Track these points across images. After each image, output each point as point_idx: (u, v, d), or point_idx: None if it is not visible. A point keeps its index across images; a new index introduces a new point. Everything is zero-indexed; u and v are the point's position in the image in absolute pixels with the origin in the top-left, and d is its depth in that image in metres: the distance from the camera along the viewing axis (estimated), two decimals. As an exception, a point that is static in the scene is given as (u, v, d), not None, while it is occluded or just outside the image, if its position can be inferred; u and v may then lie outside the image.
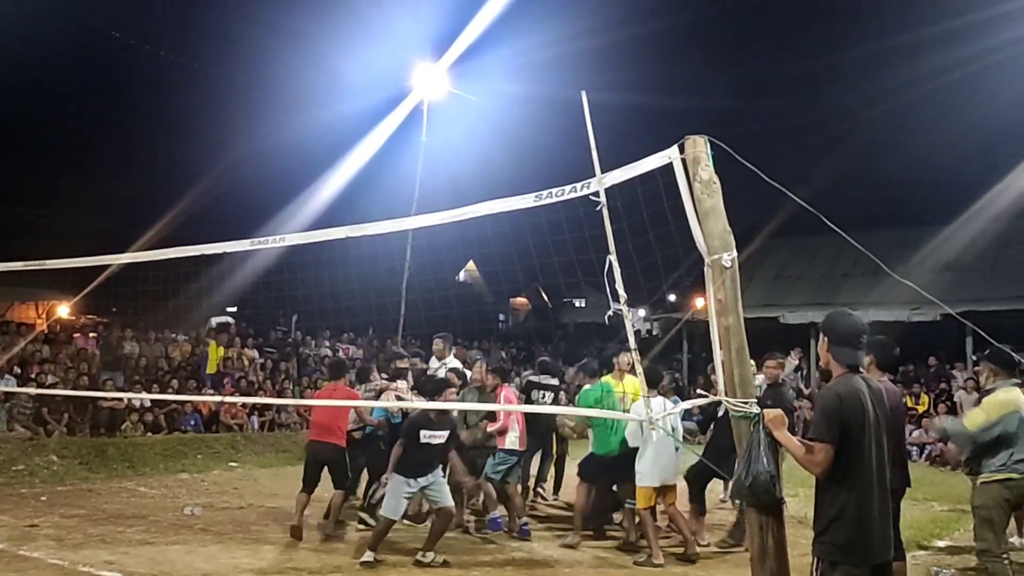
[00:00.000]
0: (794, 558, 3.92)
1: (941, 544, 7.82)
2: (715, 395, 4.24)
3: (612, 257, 4.48)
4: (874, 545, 3.44)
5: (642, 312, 25.33)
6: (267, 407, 15.10)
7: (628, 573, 6.93)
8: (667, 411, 6.38)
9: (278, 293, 14.74)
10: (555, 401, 9.21)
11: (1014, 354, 5.82)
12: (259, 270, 14.25)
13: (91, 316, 19.41)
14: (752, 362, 4.13)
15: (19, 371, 13.42)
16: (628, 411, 7.31)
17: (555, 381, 9.40)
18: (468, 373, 9.03)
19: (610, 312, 4.71)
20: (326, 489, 8.02)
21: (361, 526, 8.20)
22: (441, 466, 7.31)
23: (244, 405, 14.74)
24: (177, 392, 14.25)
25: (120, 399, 13.25)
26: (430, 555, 6.90)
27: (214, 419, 14.45)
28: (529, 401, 8.91)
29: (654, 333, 25.92)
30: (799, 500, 7.12)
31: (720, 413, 7.04)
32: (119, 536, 7.65)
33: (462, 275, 41.73)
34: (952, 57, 17.44)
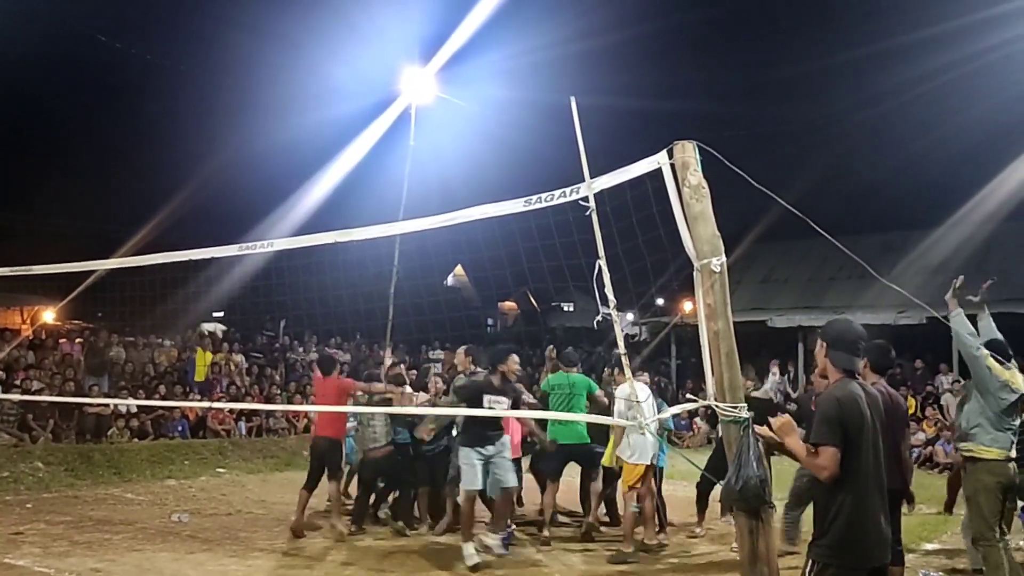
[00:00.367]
0: (783, 560, 3.94)
1: (930, 547, 7.85)
2: (704, 399, 4.25)
3: (601, 261, 4.50)
4: (871, 548, 3.46)
5: (630, 316, 25.38)
6: (255, 412, 15.01)
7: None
8: (649, 400, 6.43)
9: (265, 298, 14.68)
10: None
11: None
12: (246, 275, 14.21)
13: (77, 321, 19.28)
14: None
15: (3, 377, 13.29)
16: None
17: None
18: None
19: (599, 317, 4.72)
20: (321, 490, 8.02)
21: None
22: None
23: (231, 411, 14.66)
24: (164, 398, 14.16)
25: (106, 405, 13.15)
26: (494, 538, 6.87)
27: (201, 425, 14.36)
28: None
29: (642, 337, 25.97)
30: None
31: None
32: (106, 543, 7.58)
33: (450, 279, 41.71)
34: (936, 62, 17.60)
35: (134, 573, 6.61)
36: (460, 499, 7.19)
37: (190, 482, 11.76)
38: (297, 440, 14.80)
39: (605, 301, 4.53)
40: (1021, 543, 7.55)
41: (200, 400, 14.37)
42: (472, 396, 7.07)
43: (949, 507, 9.31)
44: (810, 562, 3.51)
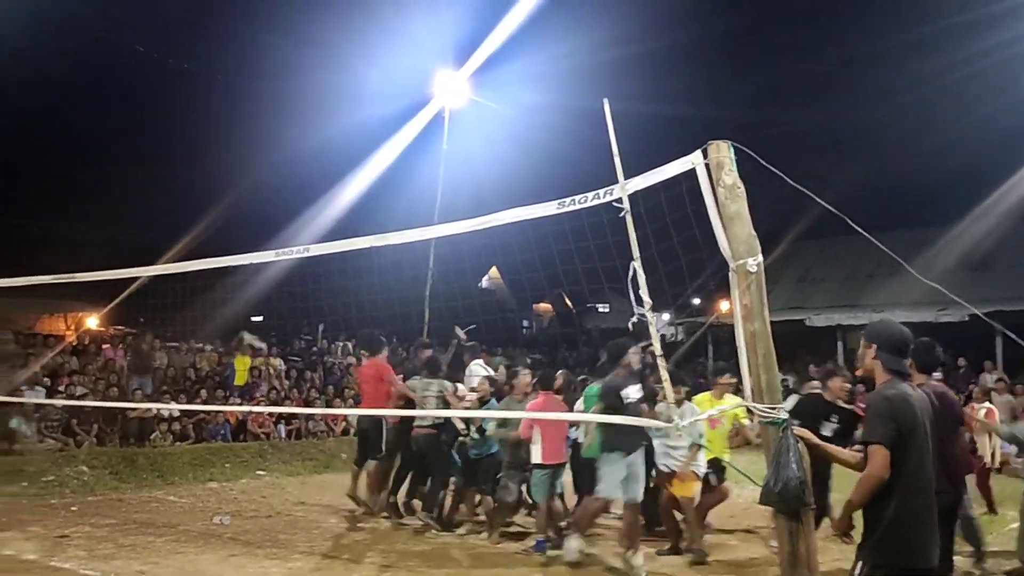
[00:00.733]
0: (824, 564, 3.89)
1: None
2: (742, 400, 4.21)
3: (636, 263, 4.48)
4: (920, 550, 3.42)
5: (666, 316, 25.23)
6: (294, 416, 15.19)
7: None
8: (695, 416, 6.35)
9: (302, 303, 14.85)
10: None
11: None
12: (284, 279, 14.38)
13: (119, 327, 19.66)
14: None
15: (49, 382, 13.60)
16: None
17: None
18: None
19: (634, 318, 4.70)
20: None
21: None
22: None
23: (271, 414, 14.84)
24: (205, 402, 14.38)
25: (148, 409, 13.40)
26: (637, 556, 6.79)
27: (242, 428, 14.56)
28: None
29: (678, 338, 25.80)
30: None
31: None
32: (149, 546, 7.71)
33: (485, 282, 41.78)
34: (969, 50, 17.20)
35: (178, 575, 6.73)
36: (594, 504, 7.05)
37: (231, 485, 11.92)
38: (336, 442, 14.94)
39: (640, 302, 4.50)
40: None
41: (240, 404, 14.57)
42: (615, 397, 6.81)
43: (991, 507, 9.13)
44: (859, 563, 3.47)
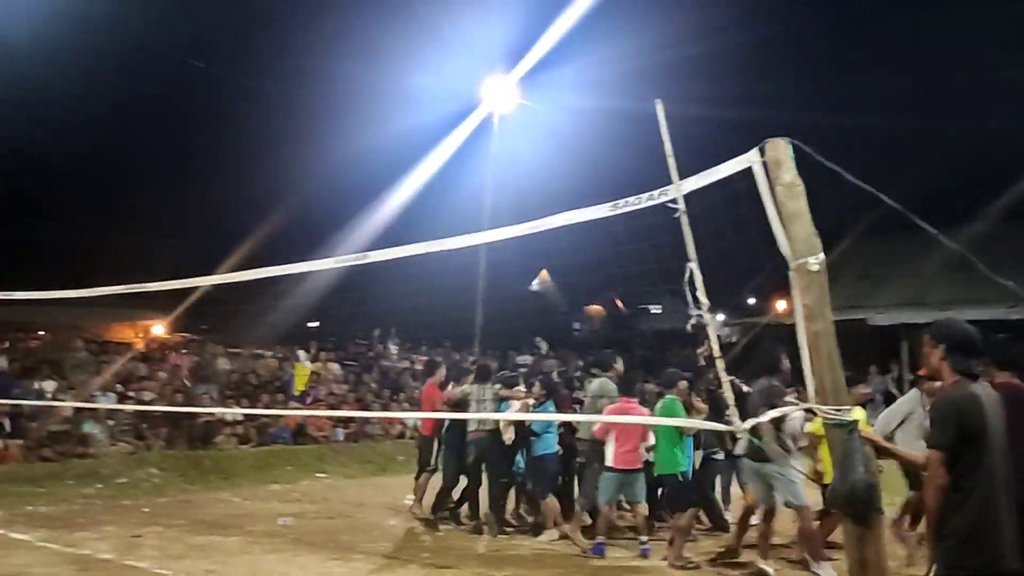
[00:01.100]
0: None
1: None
2: (805, 403, 4.15)
3: (692, 264, 4.44)
4: (1000, 554, 3.32)
5: (721, 317, 24.90)
6: (351, 419, 15.44)
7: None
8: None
9: (358, 309, 15.09)
10: None
11: None
12: (338, 285, 14.64)
13: (184, 334, 20.22)
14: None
15: (120, 388, 14.06)
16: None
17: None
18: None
19: (692, 320, 4.66)
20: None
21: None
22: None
23: (329, 417, 15.12)
24: (266, 406, 14.70)
25: (213, 413, 13.75)
26: (824, 567, 6.66)
27: (301, 431, 14.85)
28: None
29: (733, 339, 25.44)
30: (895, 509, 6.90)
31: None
32: (218, 546, 7.93)
33: (535, 284, 41.80)
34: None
35: (245, 575, 6.90)
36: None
37: (293, 486, 12.18)
38: (392, 445, 15.15)
39: (697, 303, 4.46)
40: None
41: (300, 408, 14.86)
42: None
43: None
44: (934, 566, 3.40)
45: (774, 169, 4.14)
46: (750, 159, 4.32)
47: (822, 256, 3.90)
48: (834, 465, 3.69)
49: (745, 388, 7.76)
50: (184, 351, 17.24)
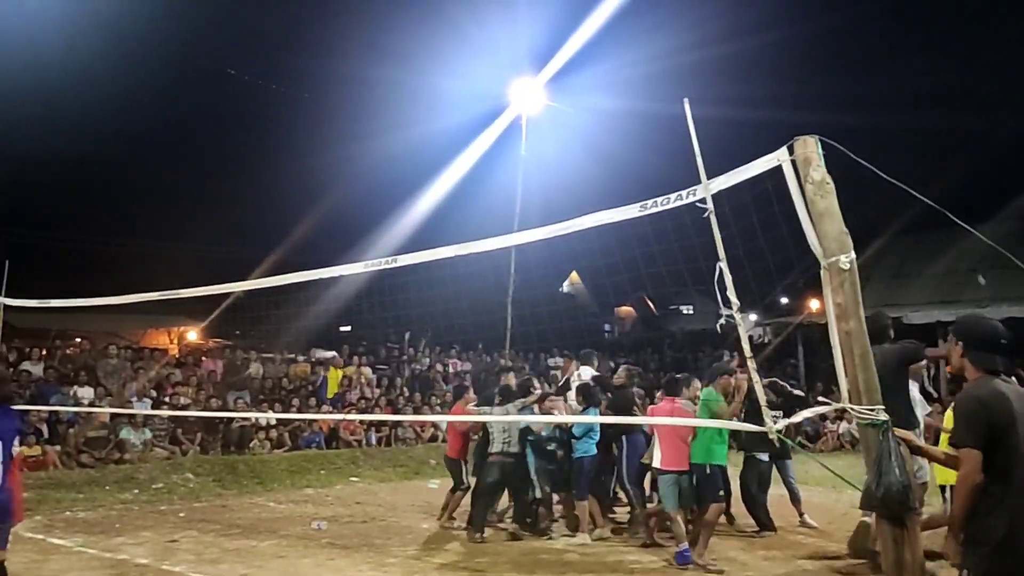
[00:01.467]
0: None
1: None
2: (837, 402, 4.09)
3: (722, 264, 4.40)
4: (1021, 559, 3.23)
5: (754, 316, 24.66)
6: (383, 423, 15.53)
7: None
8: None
9: (391, 312, 15.17)
10: None
11: None
12: (368, 289, 14.73)
13: (217, 340, 20.50)
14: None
15: (155, 394, 14.28)
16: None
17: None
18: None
19: (722, 320, 4.63)
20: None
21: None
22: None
23: (362, 421, 15.22)
24: (299, 410, 14.82)
25: (247, 418, 13.91)
26: None
27: (334, 436, 14.96)
28: None
29: (766, 339, 25.18)
30: (933, 510, 6.77)
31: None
32: (253, 550, 8.00)
33: (565, 286, 41.78)
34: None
35: (280, 578, 6.97)
36: None
37: (326, 491, 12.26)
38: (424, 449, 15.20)
39: (728, 303, 4.43)
40: None
41: (332, 412, 14.97)
42: None
43: None
44: (965, 571, 3.30)
45: (803, 167, 4.10)
46: (779, 157, 4.29)
47: (853, 254, 3.85)
48: (869, 466, 3.64)
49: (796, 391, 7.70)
50: (218, 357, 17.45)
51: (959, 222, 4.68)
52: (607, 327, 41.06)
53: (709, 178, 4.54)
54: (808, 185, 4.06)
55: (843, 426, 16.24)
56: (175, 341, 21.61)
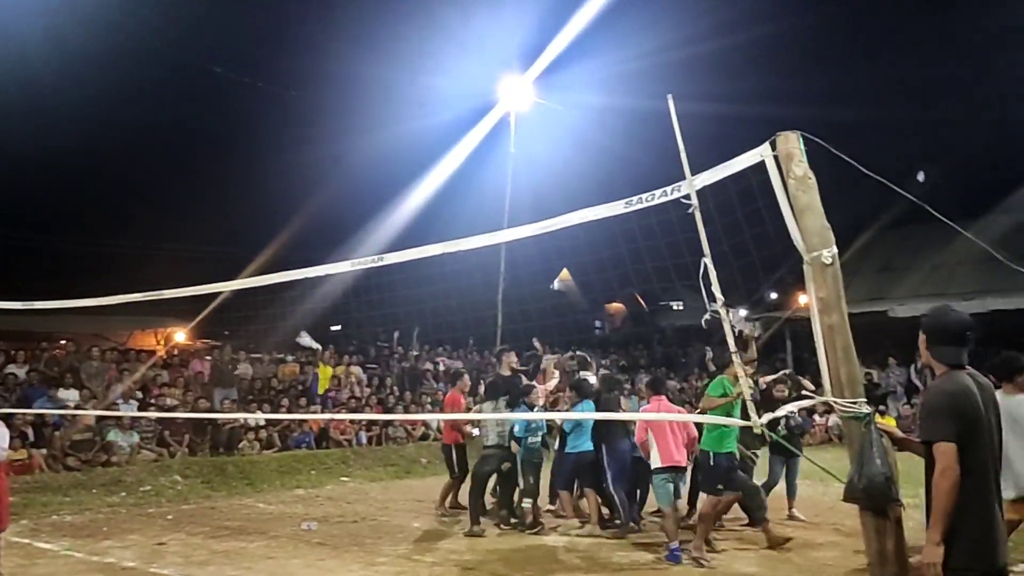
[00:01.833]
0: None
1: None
2: (821, 395, 4.11)
3: (707, 259, 4.42)
4: (996, 552, 3.26)
5: (743, 312, 24.74)
6: (374, 422, 15.50)
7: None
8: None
9: (380, 311, 15.14)
10: None
11: None
12: (357, 288, 14.71)
13: (206, 340, 20.39)
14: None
15: (141, 396, 14.18)
16: None
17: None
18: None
19: (707, 316, 4.64)
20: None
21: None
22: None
23: (352, 421, 15.18)
24: (288, 410, 14.77)
25: (236, 418, 13.84)
26: None
27: (324, 436, 14.92)
28: None
29: (756, 335, 25.25)
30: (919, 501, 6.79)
31: None
32: (242, 552, 7.98)
33: (556, 284, 41.82)
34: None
35: (269, 579, 6.95)
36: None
37: (317, 491, 12.24)
38: (415, 447, 15.19)
39: (713, 299, 4.44)
40: None
41: (323, 412, 14.93)
42: None
43: None
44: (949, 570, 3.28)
45: (786, 162, 4.12)
46: (762, 153, 4.30)
47: (835, 249, 3.87)
48: (851, 458, 3.66)
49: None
50: (206, 357, 17.36)
51: (942, 218, 4.71)
52: (597, 324, 41.13)
53: (694, 174, 4.55)
54: (790, 180, 4.08)
55: (832, 419, 16.35)
56: (162, 342, 21.49)
